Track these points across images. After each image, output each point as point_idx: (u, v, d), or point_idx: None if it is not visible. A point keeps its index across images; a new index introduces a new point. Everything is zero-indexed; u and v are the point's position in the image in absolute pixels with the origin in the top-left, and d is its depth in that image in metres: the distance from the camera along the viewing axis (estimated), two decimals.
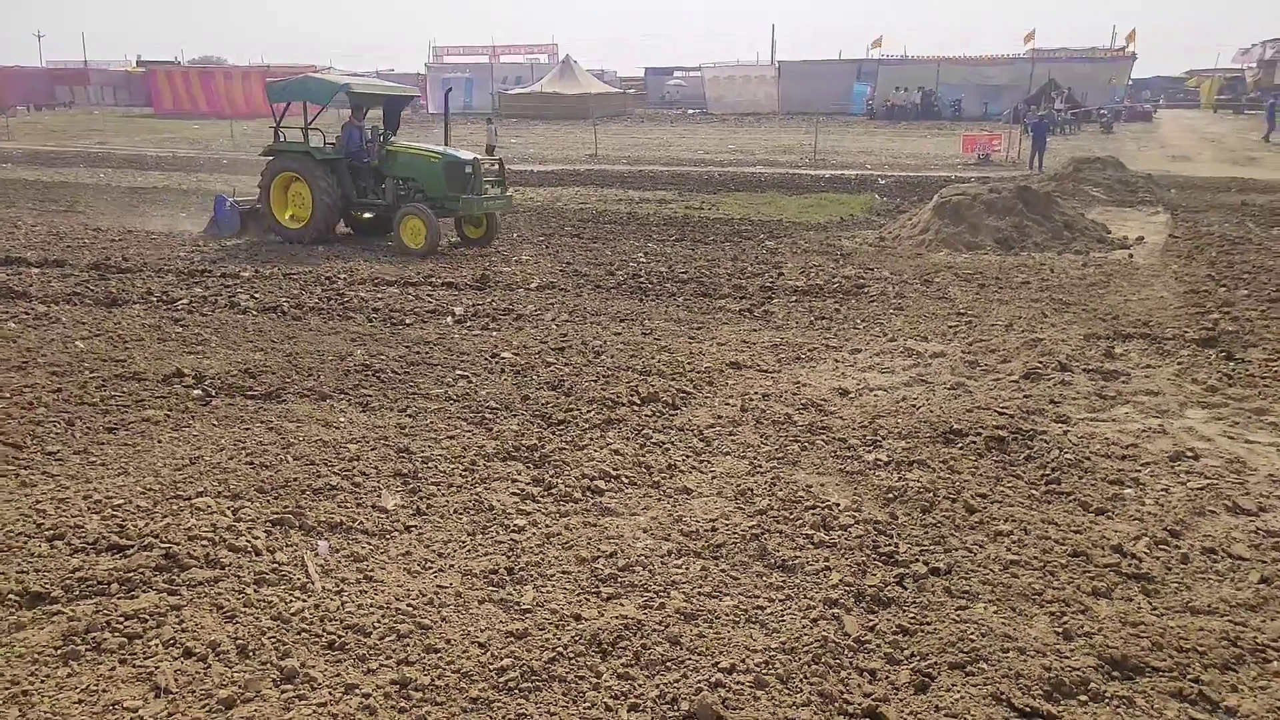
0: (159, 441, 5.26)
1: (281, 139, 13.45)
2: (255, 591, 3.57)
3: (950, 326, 8.42)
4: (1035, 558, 3.84)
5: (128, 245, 12.53)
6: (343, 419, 5.71)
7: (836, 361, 7.26)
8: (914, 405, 5.99)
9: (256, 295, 9.53)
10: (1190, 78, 61.66)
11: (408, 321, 8.65)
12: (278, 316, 8.72)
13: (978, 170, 27.12)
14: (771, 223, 16.47)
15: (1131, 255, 12.56)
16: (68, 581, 3.55)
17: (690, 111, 52.50)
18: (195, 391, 6.20)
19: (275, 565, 3.77)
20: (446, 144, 13.80)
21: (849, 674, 3.03)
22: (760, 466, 5.01)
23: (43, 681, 2.98)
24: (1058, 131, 32.51)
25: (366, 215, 13.84)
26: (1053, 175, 21.52)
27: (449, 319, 8.81)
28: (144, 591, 3.50)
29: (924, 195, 20.73)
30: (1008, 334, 8.05)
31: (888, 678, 3.01)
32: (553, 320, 8.76)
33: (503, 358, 7.27)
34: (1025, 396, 6.11)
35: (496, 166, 13.98)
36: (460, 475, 4.82)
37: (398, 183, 13.19)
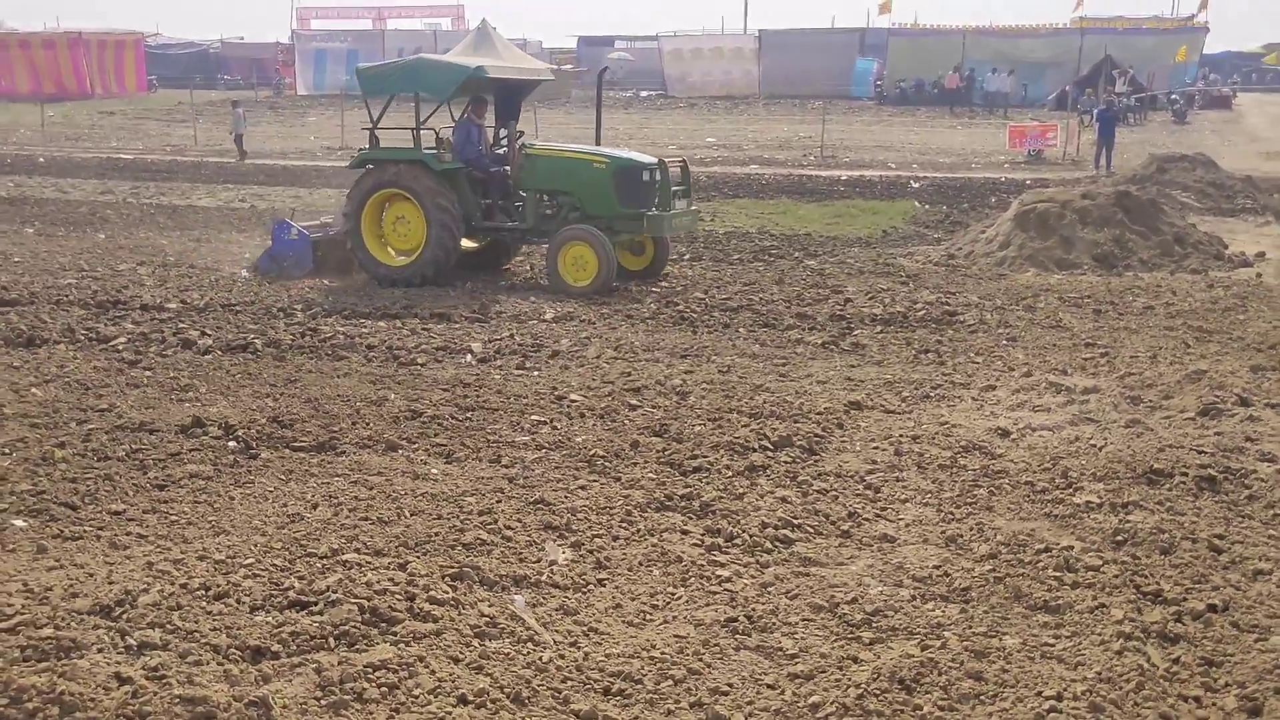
0: (232, 499, 5.94)
1: (375, 144, 13.16)
2: (484, 644, 4.32)
3: (1086, 359, 9.51)
4: None
5: None
6: (433, 471, 6.45)
7: (975, 400, 8.25)
8: (1094, 445, 6.99)
9: (208, 332, 10.16)
10: (1269, 53, 65.98)
11: (419, 361, 9.41)
12: (254, 357, 9.38)
13: (1031, 170, 29.01)
14: (799, 237, 17.66)
15: (1260, 275, 13.99)
16: (280, 636, 4.25)
17: (643, 93, 54.26)
18: (230, 444, 6.87)
19: (486, 618, 4.52)
20: (598, 143, 13.68)
21: (1175, 701, 3.93)
22: (953, 514, 5.91)
23: None
24: (1123, 121, 34.75)
25: (474, 244, 13.67)
26: (1130, 177, 23.14)
27: (468, 357, 9.59)
28: (369, 645, 4.23)
29: (973, 202, 22.34)
30: (1157, 366, 9.17)
31: (1215, 704, 3.90)
32: (598, 357, 9.61)
33: (574, 401, 8.08)
34: (1217, 434, 7.17)
35: (679, 171, 13.46)
36: (620, 527, 5.62)
37: (540, 198, 13.08)
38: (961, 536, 5.55)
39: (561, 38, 67.13)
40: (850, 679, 4.09)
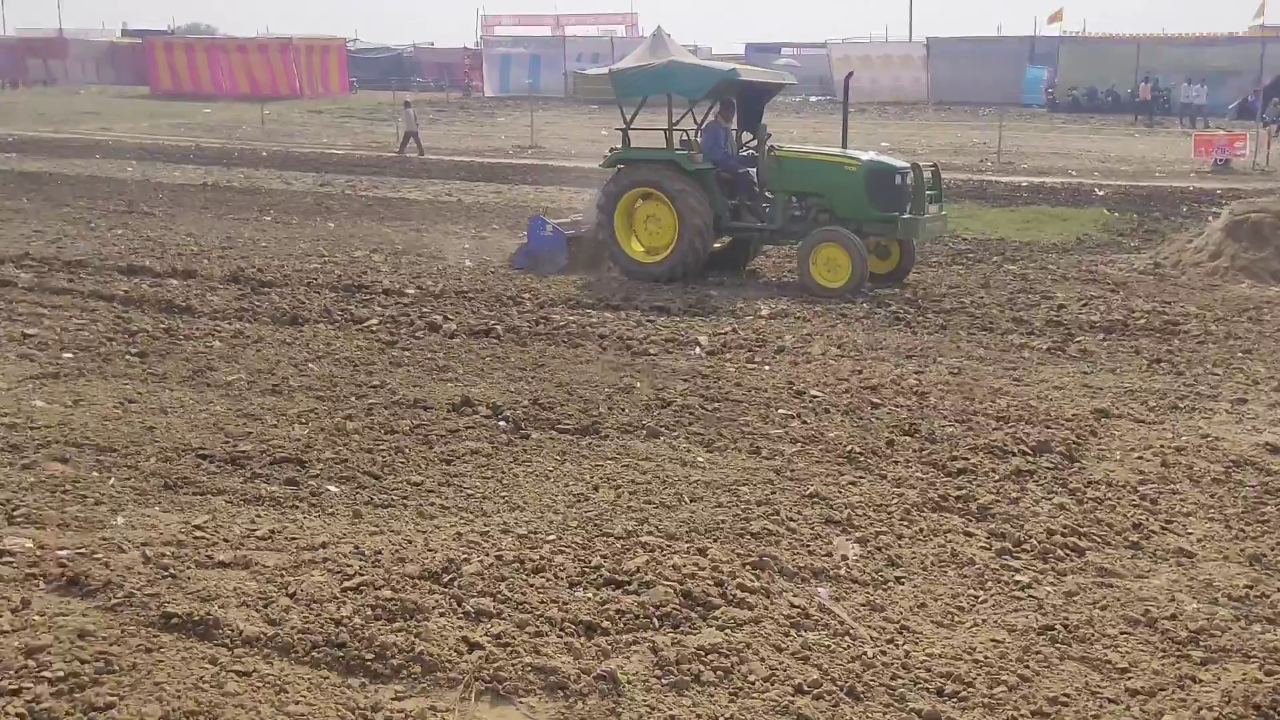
0: (516, 476, 5.97)
1: (627, 144, 13.11)
2: (802, 635, 4.19)
3: None
4: None
5: (245, 254, 13.57)
6: (700, 459, 6.36)
7: (1229, 413, 7.74)
8: None
9: (450, 317, 10.33)
10: None
11: (651, 351, 9.36)
12: (497, 341, 9.48)
13: (1220, 180, 27.46)
14: (992, 241, 17.11)
15: None
16: (608, 613, 4.21)
17: (812, 99, 53.53)
18: (500, 423, 6.92)
19: (798, 609, 4.38)
20: (845, 144, 13.62)
21: None
22: (1244, 531, 5.50)
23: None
24: None
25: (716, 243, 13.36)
26: None
27: (697, 349, 9.50)
28: (693, 628, 4.16)
29: (1165, 210, 21.25)
30: None
31: None
32: (824, 355, 9.39)
33: (814, 396, 7.89)
34: None
35: (930, 175, 12.94)
36: (902, 525, 5.41)
37: (789, 200, 12.92)
38: (1265, 556, 5.15)
39: (730, 44, 66.88)
40: (1196, 699, 3.79)
